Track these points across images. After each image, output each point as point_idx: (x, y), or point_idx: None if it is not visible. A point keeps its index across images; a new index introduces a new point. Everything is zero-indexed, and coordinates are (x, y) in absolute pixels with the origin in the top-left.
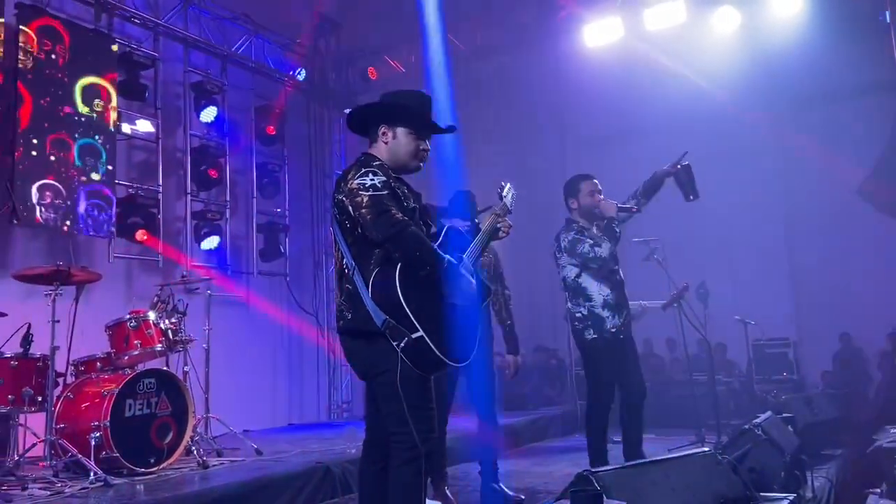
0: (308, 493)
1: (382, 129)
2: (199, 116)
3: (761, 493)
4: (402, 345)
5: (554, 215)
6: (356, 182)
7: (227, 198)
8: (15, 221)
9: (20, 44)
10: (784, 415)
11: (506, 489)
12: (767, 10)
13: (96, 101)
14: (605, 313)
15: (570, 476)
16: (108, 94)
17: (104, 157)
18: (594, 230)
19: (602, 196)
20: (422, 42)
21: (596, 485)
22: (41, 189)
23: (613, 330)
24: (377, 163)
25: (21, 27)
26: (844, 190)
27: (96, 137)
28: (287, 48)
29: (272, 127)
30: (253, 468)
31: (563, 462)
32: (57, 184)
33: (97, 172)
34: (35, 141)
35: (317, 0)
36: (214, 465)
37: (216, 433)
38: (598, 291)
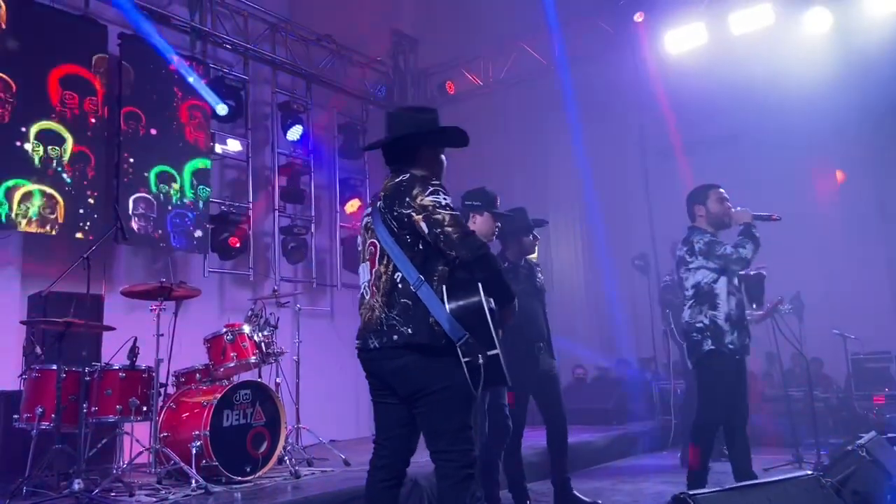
0: None
1: (430, 153)
2: (285, 135)
3: None
4: (473, 361)
5: (634, 227)
6: (429, 199)
7: (312, 213)
8: (122, 240)
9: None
10: (889, 434)
11: (581, 496)
12: (861, 11)
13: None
14: (727, 327)
15: (659, 495)
16: (204, 117)
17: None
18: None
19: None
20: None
21: None
22: (136, 202)
23: (732, 347)
24: (437, 182)
25: (123, 59)
26: None
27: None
28: (368, 66)
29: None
30: (343, 479)
31: (651, 480)
32: (149, 196)
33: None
34: (133, 160)
35: (395, 19)
36: (306, 475)
37: (306, 443)
38: (725, 301)
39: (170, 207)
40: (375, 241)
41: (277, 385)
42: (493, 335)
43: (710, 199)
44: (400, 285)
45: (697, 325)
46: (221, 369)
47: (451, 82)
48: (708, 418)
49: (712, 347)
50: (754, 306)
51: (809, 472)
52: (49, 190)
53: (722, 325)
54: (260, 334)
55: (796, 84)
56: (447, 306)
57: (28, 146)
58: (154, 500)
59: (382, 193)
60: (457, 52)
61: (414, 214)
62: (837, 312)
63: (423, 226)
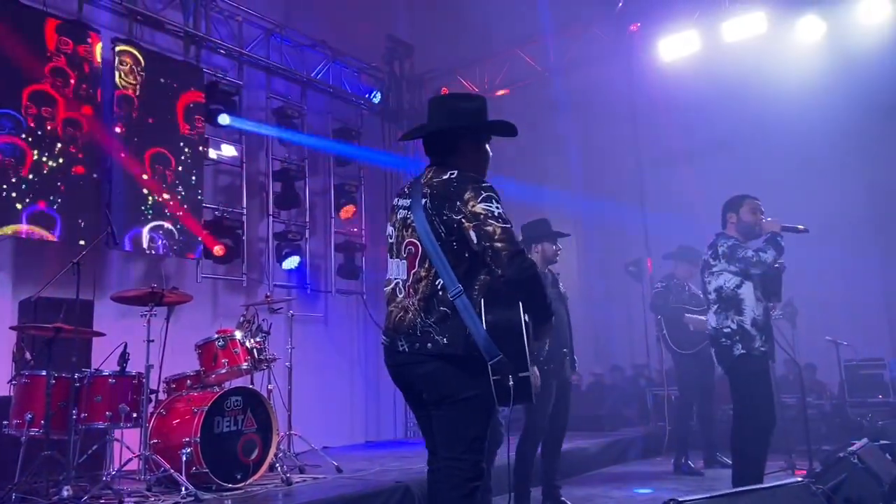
0: None
1: (473, 146)
2: (280, 140)
3: None
4: (503, 381)
5: (627, 237)
6: (481, 207)
7: (307, 219)
8: (114, 246)
9: (116, 75)
10: (881, 442)
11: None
12: (853, 19)
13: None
14: (754, 332)
15: (652, 502)
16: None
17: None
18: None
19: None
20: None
21: None
22: (153, 230)
23: (764, 349)
24: (488, 184)
25: (117, 59)
26: None
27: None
28: (363, 72)
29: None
30: (334, 486)
31: (644, 486)
32: (166, 224)
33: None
34: (135, 166)
35: (391, 24)
36: (297, 482)
37: (298, 450)
38: (752, 307)
39: (166, 196)
40: (416, 241)
41: (269, 391)
42: (528, 356)
43: (744, 207)
44: (440, 292)
45: (725, 330)
46: (213, 375)
47: (447, 89)
48: (758, 422)
49: (743, 352)
50: (772, 305)
51: (799, 479)
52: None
53: (749, 329)
54: (252, 340)
55: (789, 91)
56: (484, 320)
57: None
58: None
59: (428, 190)
60: (452, 59)
61: (465, 222)
62: (831, 319)
63: (473, 235)
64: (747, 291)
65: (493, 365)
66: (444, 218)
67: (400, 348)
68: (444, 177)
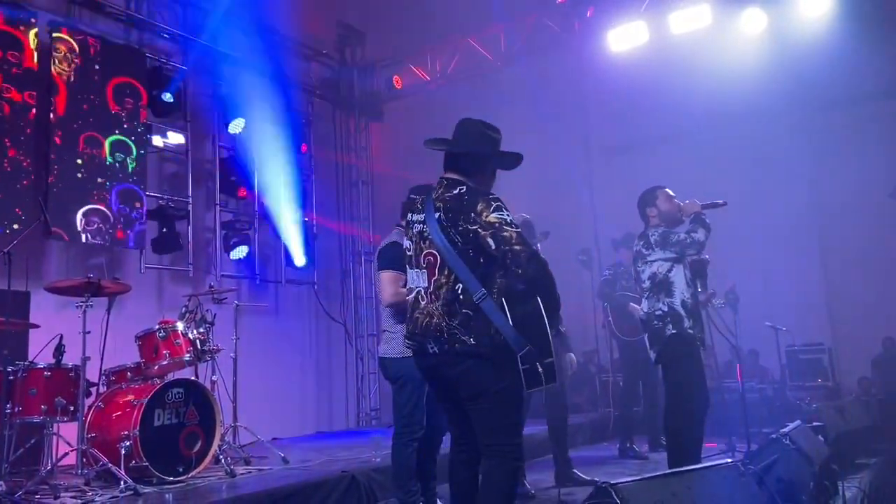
0: (333, 502)
1: (492, 171)
2: (227, 128)
3: None
4: (532, 368)
5: (577, 226)
6: (494, 216)
7: (256, 208)
8: (48, 235)
9: (53, 56)
10: (814, 423)
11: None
12: (794, 12)
13: (127, 100)
14: (683, 312)
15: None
16: (138, 94)
17: (134, 153)
18: None
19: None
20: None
21: (615, 497)
22: (86, 214)
23: (691, 331)
24: (496, 196)
25: (55, 43)
26: (877, 192)
27: (128, 136)
28: (313, 59)
29: (305, 146)
30: (279, 477)
31: (591, 473)
32: (102, 207)
33: (127, 170)
34: (70, 151)
35: (342, 11)
36: (242, 474)
37: (244, 442)
38: (682, 290)
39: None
40: (435, 252)
41: (213, 383)
42: (551, 343)
43: (659, 199)
44: (461, 296)
45: (657, 312)
46: (154, 367)
47: (399, 76)
48: (691, 405)
49: (674, 332)
50: (701, 291)
51: (730, 460)
52: None
53: (679, 310)
54: (195, 331)
55: (734, 83)
56: (509, 317)
57: None
58: (79, 502)
59: (441, 205)
60: (404, 46)
61: (480, 231)
62: (774, 306)
63: (490, 241)
64: (678, 275)
65: (523, 356)
66: (460, 228)
67: (430, 350)
68: (455, 192)
